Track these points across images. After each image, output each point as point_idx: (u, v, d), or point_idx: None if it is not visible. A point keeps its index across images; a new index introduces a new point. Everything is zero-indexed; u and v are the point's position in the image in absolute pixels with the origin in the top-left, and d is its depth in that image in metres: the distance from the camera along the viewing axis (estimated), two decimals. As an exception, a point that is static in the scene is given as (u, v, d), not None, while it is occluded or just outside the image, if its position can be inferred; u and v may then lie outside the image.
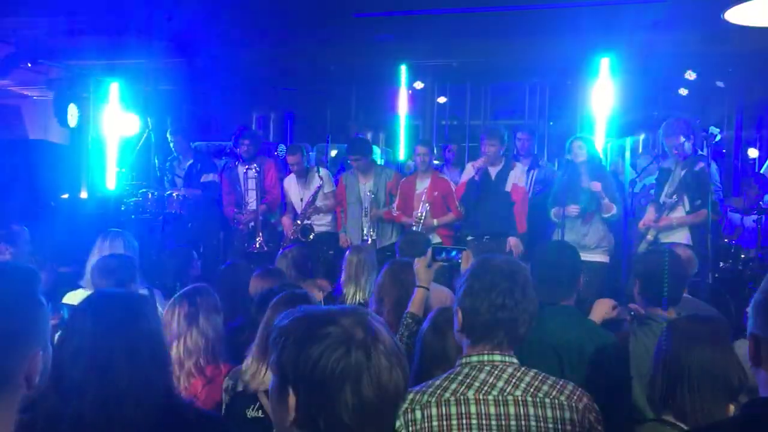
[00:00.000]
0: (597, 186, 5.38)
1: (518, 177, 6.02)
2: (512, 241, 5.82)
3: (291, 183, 6.88)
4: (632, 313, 3.20)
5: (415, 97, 8.69)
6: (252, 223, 6.63)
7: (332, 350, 1.24)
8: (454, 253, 2.87)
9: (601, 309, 3.19)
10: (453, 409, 1.85)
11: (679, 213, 5.29)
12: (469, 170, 6.24)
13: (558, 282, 2.78)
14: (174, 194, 6.91)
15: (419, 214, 6.09)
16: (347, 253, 4.38)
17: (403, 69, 8.12)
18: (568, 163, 5.60)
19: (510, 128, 7.07)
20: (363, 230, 6.37)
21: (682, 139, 5.25)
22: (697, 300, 3.56)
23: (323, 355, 1.23)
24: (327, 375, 1.23)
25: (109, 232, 4.35)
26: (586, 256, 5.33)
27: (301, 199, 6.70)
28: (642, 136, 8.04)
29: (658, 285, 2.89)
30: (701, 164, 5.20)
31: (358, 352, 1.24)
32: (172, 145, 7.13)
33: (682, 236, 5.28)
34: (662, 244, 5.05)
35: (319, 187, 6.61)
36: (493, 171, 6.02)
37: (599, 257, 5.41)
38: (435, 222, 6.17)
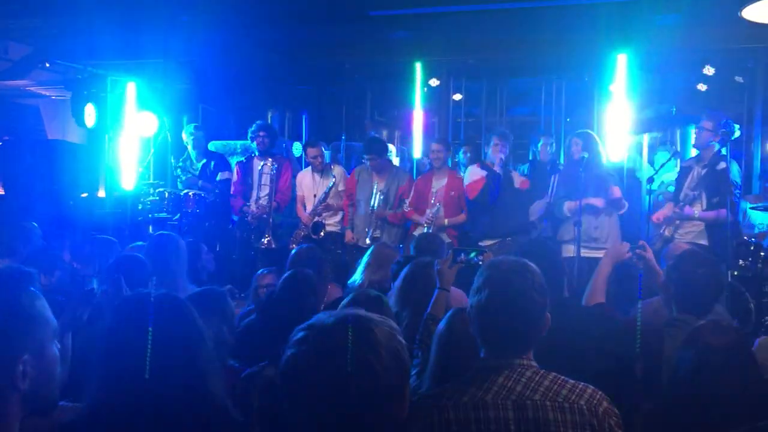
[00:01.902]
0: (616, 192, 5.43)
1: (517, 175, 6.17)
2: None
3: (305, 178, 6.89)
4: (637, 251, 3.27)
5: (430, 94, 8.67)
6: (264, 215, 6.65)
7: (296, 347, 1.30)
8: (473, 254, 2.87)
9: (616, 252, 3.40)
10: (471, 414, 1.83)
11: (696, 208, 5.29)
12: (476, 171, 6.20)
13: None
14: (190, 193, 6.96)
15: (430, 215, 6.09)
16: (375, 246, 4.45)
17: (419, 66, 8.10)
18: (569, 160, 5.67)
19: (524, 127, 7.04)
20: (368, 231, 6.38)
21: (709, 126, 5.25)
22: (721, 310, 3.50)
23: (289, 353, 1.31)
24: (288, 370, 1.30)
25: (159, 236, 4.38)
26: (596, 252, 5.39)
27: (314, 195, 6.72)
28: (660, 133, 7.97)
29: (693, 293, 2.85)
30: (723, 164, 5.17)
31: (316, 352, 1.28)
32: (190, 142, 7.15)
33: (699, 235, 5.26)
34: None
35: (332, 185, 6.63)
36: (502, 171, 6.06)
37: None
38: (446, 222, 6.17)
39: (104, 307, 3.05)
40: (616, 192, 5.53)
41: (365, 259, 4.25)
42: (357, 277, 4.18)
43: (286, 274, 3.53)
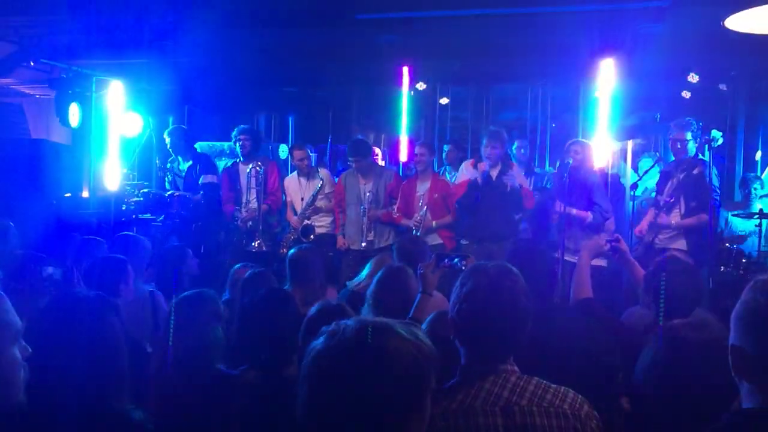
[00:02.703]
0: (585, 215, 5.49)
1: (522, 178, 6.03)
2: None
3: (292, 182, 6.90)
4: (613, 243, 3.42)
5: (417, 98, 8.68)
6: (250, 223, 6.63)
7: (318, 345, 1.30)
8: (456, 260, 2.88)
9: (594, 245, 3.53)
10: (461, 421, 1.83)
11: (675, 215, 5.34)
12: (467, 169, 6.24)
13: None
14: (175, 194, 6.93)
15: (418, 218, 6.11)
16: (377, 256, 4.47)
17: (406, 70, 8.11)
18: (563, 165, 5.70)
19: (510, 131, 7.05)
20: (363, 231, 6.38)
21: (689, 136, 5.31)
22: (705, 314, 3.54)
23: (312, 349, 1.31)
24: (307, 367, 1.30)
25: (118, 237, 4.36)
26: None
27: (302, 199, 6.73)
28: (644, 140, 8.03)
29: (672, 299, 2.88)
30: (700, 168, 5.24)
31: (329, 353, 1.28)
32: (168, 146, 7.14)
33: (678, 242, 5.33)
34: (660, 250, 5.08)
35: (320, 188, 6.63)
36: (494, 173, 6.01)
37: (595, 261, 5.42)
38: (434, 224, 6.19)
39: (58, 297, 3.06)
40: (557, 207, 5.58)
41: (369, 265, 4.27)
42: (361, 278, 4.21)
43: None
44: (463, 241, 6.10)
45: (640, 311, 3.37)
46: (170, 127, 7.38)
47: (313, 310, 2.66)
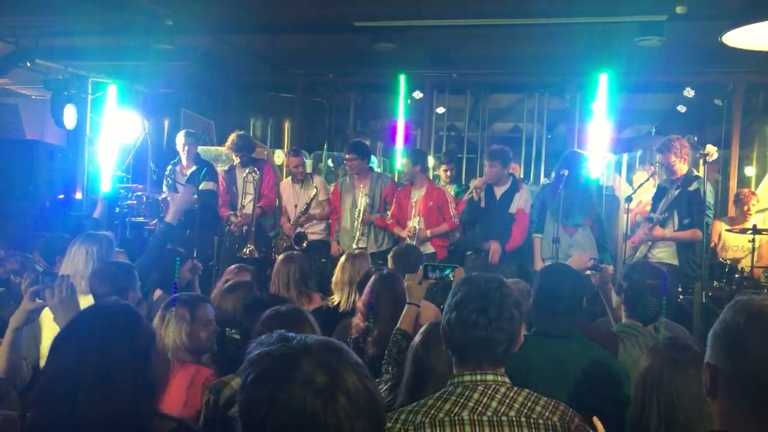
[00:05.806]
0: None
1: (525, 201, 5.96)
2: (493, 245, 5.80)
3: (286, 188, 6.87)
4: (598, 267, 3.50)
5: (413, 106, 8.69)
6: (245, 227, 6.59)
7: (288, 398, 1.16)
8: (447, 271, 2.86)
9: (579, 261, 3.66)
10: (447, 430, 1.82)
11: (668, 230, 5.35)
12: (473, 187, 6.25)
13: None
14: (169, 198, 6.88)
15: (411, 229, 6.09)
16: (342, 258, 4.45)
17: (403, 79, 8.13)
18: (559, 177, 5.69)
19: (507, 142, 7.03)
20: (355, 236, 6.35)
21: (673, 158, 5.33)
22: (671, 323, 3.57)
23: (277, 403, 1.16)
24: (279, 424, 1.16)
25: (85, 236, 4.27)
26: None
27: (295, 206, 6.70)
28: (639, 153, 8.05)
29: (639, 300, 3.04)
30: (696, 184, 5.25)
31: (315, 402, 1.15)
32: (184, 150, 7.04)
33: (670, 255, 5.33)
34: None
35: (313, 196, 6.61)
36: (498, 191, 5.98)
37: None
38: (428, 233, 6.17)
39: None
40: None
41: None
42: None
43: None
44: (468, 252, 6.11)
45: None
46: (183, 131, 7.22)
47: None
